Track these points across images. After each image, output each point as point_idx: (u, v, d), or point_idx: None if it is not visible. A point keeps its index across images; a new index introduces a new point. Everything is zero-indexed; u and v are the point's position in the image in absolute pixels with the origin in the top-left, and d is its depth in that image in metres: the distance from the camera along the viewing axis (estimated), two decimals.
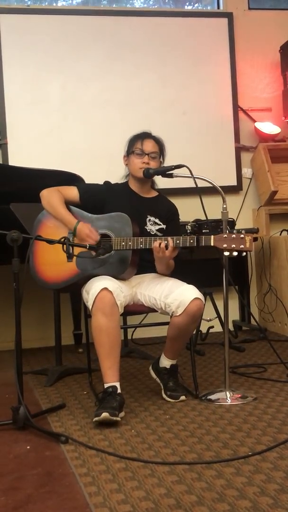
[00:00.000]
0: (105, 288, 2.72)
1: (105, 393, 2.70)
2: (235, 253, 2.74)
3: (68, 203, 3.07)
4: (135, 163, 3.11)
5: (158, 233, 3.13)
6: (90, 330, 2.83)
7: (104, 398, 2.68)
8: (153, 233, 3.12)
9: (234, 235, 2.74)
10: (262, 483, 1.96)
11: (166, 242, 2.82)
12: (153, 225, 3.14)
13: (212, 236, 2.77)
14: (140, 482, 2.02)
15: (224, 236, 2.75)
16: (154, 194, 3.27)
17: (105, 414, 2.56)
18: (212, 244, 2.77)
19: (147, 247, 2.87)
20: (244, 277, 4.94)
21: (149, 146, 3.11)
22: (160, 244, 2.82)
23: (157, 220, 3.16)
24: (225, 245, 2.74)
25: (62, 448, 2.38)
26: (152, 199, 3.24)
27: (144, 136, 3.14)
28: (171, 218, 3.22)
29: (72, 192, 3.09)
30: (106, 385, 2.73)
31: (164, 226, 3.17)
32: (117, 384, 2.73)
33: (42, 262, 3.02)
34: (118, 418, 2.61)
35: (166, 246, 2.82)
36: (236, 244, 2.73)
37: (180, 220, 3.37)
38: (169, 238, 2.83)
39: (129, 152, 3.14)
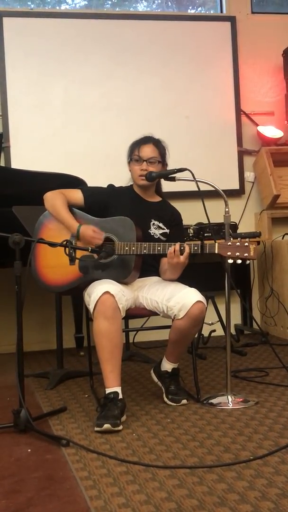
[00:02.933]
0: (107, 292, 2.71)
1: (106, 399, 2.69)
2: (238, 261, 2.75)
3: (72, 206, 3.06)
4: (135, 170, 3.10)
5: (162, 237, 3.13)
6: (92, 333, 2.82)
7: (105, 404, 2.68)
8: (156, 237, 3.12)
9: (238, 243, 2.74)
10: (264, 488, 1.95)
11: (182, 247, 2.80)
12: (156, 229, 3.14)
13: (216, 244, 2.77)
14: (141, 485, 2.02)
15: (228, 243, 2.75)
16: (158, 198, 3.26)
17: (106, 426, 2.56)
18: (216, 251, 2.77)
19: (151, 252, 2.86)
20: (246, 281, 4.94)
21: (147, 151, 3.08)
22: (174, 249, 2.80)
23: (161, 224, 3.15)
24: (229, 253, 2.75)
25: (63, 452, 2.38)
26: (156, 204, 3.23)
27: (141, 142, 3.11)
28: (174, 223, 3.21)
29: (77, 195, 3.08)
30: (107, 391, 2.72)
31: (167, 231, 3.16)
32: (119, 389, 2.72)
33: (44, 265, 3.01)
34: (120, 428, 2.60)
35: (182, 252, 2.80)
36: (240, 252, 2.73)
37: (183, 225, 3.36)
38: (185, 244, 2.82)
39: (129, 159, 3.14)
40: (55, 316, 3.71)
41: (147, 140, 3.12)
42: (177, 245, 2.81)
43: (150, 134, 3.17)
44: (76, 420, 2.79)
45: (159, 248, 2.86)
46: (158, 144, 3.12)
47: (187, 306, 2.80)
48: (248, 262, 2.77)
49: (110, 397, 2.68)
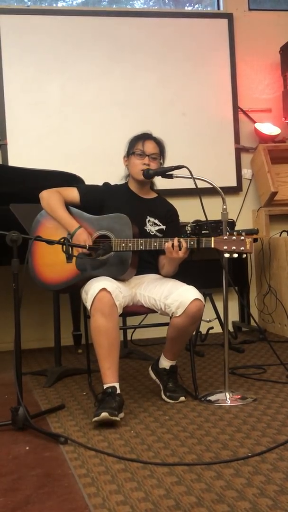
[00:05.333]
0: (104, 289, 2.71)
1: (104, 394, 2.69)
2: (235, 255, 2.75)
3: (68, 204, 3.06)
4: (136, 164, 3.10)
5: (158, 234, 3.13)
6: (90, 330, 2.83)
7: (103, 398, 2.68)
8: (152, 234, 3.12)
9: (234, 237, 2.74)
10: (262, 484, 1.96)
11: (179, 243, 2.81)
12: (152, 225, 3.14)
13: (212, 238, 2.77)
14: (139, 483, 2.02)
15: (224, 238, 2.75)
16: (153, 195, 3.27)
17: (104, 414, 2.56)
18: (212, 246, 2.77)
19: (147, 248, 2.87)
20: (244, 278, 4.94)
21: (150, 147, 3.10)
22: (173, 244, 2.81)
23: (156, 221, 3.15)
24: (225, 247, 2.74)
25: (61, 449, 2.38)
26: (152, 200, 3.23)
27: (145, 137, 3.13)
28: (170, 219, 3.22)
29: (73, 193, 3.09)
30: (105, 386, 2.72)
31: (163, 227, 3.16)
32: (117, 385, 2.72)
33: (42, 263, 3.01)
34: (118, 418, 2.61)
35: (180, 247, 2.81)
36: (237, 246, 2.73)
37: (180, 221, 3.36)
38: (182, 240, 2.81)
39: (130, 153, 3.13)
40: (53, 314, 3.71)
41: (149, 136, 3.14)
42: (175, 240, 2.81)
43: (148, 131, 3.17)
44: (74, 418, 2.79)
45: (155, 244, 2.86)
46: (158, 141, 3.15)
47: (185, 303, 2.80)
48: (244, 256, 2.77)
49: (108, 391, 2.69)
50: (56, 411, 2.88)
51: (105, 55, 4.86)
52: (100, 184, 3.21)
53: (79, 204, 3.07)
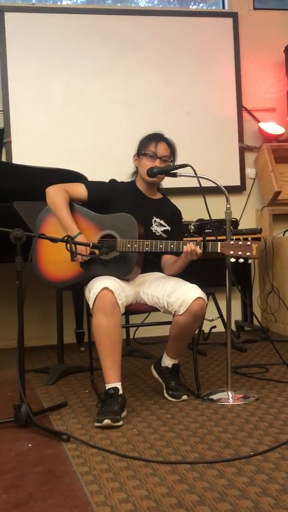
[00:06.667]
0: (106, 288, 2.71)
1: (106, 395, 2.69)
2: (241, 260, 2.75)
3: (75, 201, 3.04)
4: (146, 166, 3.07)
5: (163, 235, 3.13)
6: (92, 329, 2.83)
7: (105, 400, 2.68)
8: (158, 234, 3.12)
9: (241, 242, 2.75)
10: (264, 483, 1.96)
11: (198, 246, 2.81)
12: (158, 226, 3.14)
13: (219, 243, 2.78)
14: (141, 481, 2.02)
15: (231, 242, 2.76)
16: (159, 195, 3.26)
17: (107, 421, 2.56)
18: (219, 250, 2.78)
19: (153, 250, 2.86)
20: (247, 277, 4.94)
21: (162, 149, 3.08)
22: (190, 247, 2.81)
23: (162, 222, 3.15)
24: (231, 252, 2.76)
25: (63, 447, 2.38)
26: (158, 201, 3.23)
27: (158, 138, 3.10)
28: (175, 221, 3.22)
29: (80, 190, 3.05)
30: (107, 386, 2.72)
31: (168, 228, 3.16)
32: (119, 385, 2.72)
33: (46, 260, 3.01)
34: (120, 423, 2.60)
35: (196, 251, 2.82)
36: (243, 252, 2.74)
37: (183, 220, 3.36)
38: (197, 247, 2.81)
39: (141, 153, 3.12)
40: (56, 311, 3.71)
41: (161, 137, 3.12)
42: (192, 245, 2.80)
43: (153, 130, 3.16)
44: (76, 415, 2.80)
45: (161, 246, 2.85)
46: (170, 143, 3.13)
47: (187, 302, 2.80)
48: (250, 261, 2.78)
49: (110, 393, 2.69)
50: (58, 409, 2.89)
51: (109, 53, 4.86)
52: (105, 181, 3.19)
53: (86, 201, 3.05)
